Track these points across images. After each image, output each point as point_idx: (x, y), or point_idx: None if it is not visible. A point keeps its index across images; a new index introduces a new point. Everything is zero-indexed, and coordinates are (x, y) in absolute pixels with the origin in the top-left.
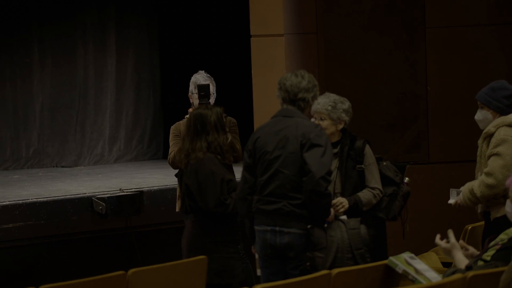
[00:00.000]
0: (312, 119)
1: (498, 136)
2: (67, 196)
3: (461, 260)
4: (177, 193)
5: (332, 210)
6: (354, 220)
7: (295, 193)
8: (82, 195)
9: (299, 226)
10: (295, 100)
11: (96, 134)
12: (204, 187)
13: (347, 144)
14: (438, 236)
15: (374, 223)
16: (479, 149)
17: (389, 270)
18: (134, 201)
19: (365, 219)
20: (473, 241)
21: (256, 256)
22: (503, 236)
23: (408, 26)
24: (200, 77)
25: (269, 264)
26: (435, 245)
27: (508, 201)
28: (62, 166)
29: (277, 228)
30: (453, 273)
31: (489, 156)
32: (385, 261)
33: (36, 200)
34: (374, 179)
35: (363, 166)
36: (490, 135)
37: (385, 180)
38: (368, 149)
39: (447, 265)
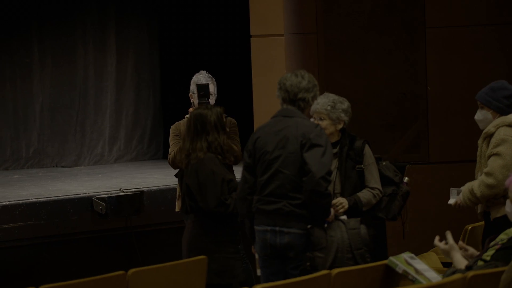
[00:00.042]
0: (311, 119)
1: (498, 136)
2: (67, 196)
3: (460, 261)
4: (177, 193)
5: (332, 210)
6: (354, 220)
7: (295, 193)
8: (82, 195)
9: (299, 226)
10: (295, 100)
11: (96, 134)
12: (205, 187)
13: (346, 144)
14: (437, 238)
15: (374, 223)
16: (479, 149)
17: (389, 270)
18: (134, 201)
19: (365, 219)
20: (473, 241)
21: (256, 256)
22: (503, 236)
23: (408, 26)
24: (202, 77)
25: (269, 264)
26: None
27: (508, 201)
28: (62, 166)
29: (277, 228)
30: (453, 273)
31: (489, 156)
32: (385, 261)
33: (36, 200)
34: (373, 179)
35: (362, 166)
36: (490, 135)
37: (385, 180)
38: (367, 149)
39: (447, 265)
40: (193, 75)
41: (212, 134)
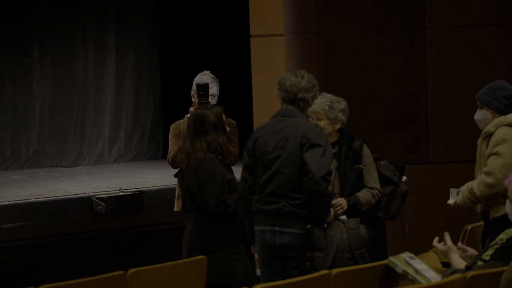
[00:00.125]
0: (309, 120)
1: (498, 135)
2: (67, 196)
3: (458, 262)
4: (176, 193)
5: (331, 210)
6: (353, 220)
7: (294, 193)
8: (82, 195)
9: (298, 226)
10: (294, 100)
11: (96, 134)
12: (205, 187)
13: (345, 145)
14: (436, 239)
15: (373, 223)
16: (478, 149)
17: (389, 270)
18: (134, 201)
19: (364, 219)
20: (472, 241)
21: (256, 256)
22: (502, 236)
23: (408, 26)
24: (206, 78)
25: (269, 264)
26: None
27: (507, 201)
28: (62, 166)
29: (277, 228)
30: (453, 273)
31: (489, 156)
32: (385, 261)
33: (36, 200)
34: (372, 179)
35: (361, 166)
36: (490, 135)
37: (383, 179)
38: (366, 149)
39: (447, 265)
40: (193, 75)
41: (212, 134)
